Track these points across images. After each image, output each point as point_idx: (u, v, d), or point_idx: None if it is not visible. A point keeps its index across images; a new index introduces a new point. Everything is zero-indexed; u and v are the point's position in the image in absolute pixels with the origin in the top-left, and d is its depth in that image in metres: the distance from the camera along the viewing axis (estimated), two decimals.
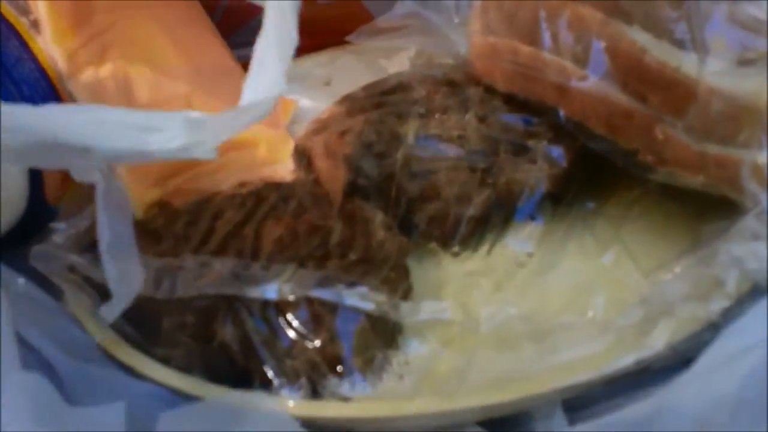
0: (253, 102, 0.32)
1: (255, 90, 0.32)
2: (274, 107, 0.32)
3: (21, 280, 0.36)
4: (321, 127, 0.42)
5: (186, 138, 0.28)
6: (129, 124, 0.28)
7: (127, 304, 0.31)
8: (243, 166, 0.44)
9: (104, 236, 0.30)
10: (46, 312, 0.36)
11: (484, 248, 0.37)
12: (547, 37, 0.38)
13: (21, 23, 0.39)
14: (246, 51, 0.53)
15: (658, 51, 0.35)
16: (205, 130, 0.29)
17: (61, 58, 0.40)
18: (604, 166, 0.38)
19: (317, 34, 0.54)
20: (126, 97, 0.41)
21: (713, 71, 0.34)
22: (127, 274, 0.30)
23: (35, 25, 0.40)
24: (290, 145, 0.45)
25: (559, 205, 0.38)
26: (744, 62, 0.35)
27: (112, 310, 0.31)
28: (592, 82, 0.37)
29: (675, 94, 0.35)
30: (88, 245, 0.37)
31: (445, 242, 0.37)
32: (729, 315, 0.31)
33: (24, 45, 0.38)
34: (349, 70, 0.51)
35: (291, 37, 0.33)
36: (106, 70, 0.41)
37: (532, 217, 0.38)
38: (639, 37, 0.36)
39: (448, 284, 0.36)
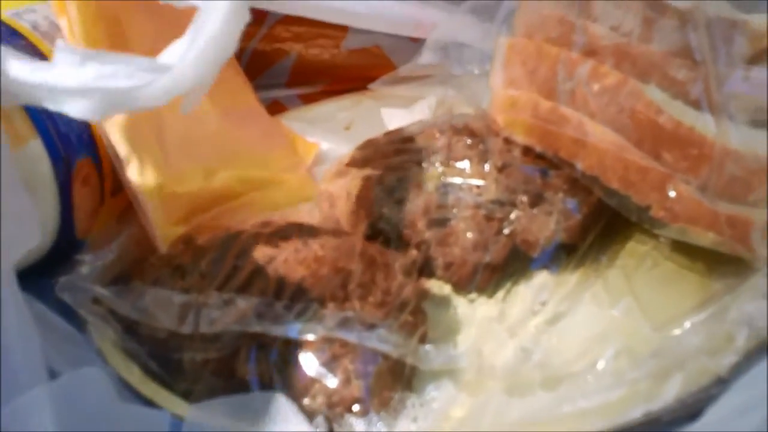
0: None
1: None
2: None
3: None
4: (344, 171, 0.43)
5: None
6: None
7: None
8: (265, 205, 0.45)
9: None
10: (69, 343, 0.37)
11: (500, 294, 0.38)
12: (566, 92, 0.39)
13: None
14: (270, 93, 0.55)
15: (673, 110, 0.37)
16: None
17: None
18: (618, 219, 0.39)
19: (340, 80, 0.56)
20: (158, 138, 0.42)
21: (727, 132, 0.35)
22: None
23: None
24: (312, 187, 0.46)
25: (573, 256, 0.39)
26: (758, 124, 0.36)
27: None
28: (608, 138, 0.38)
29: (689, 153, 0.36)
30: (114, 278, 0.38)
31: (462, 288, 0.38)
32: (736, 370, 0.31)
33: None
34: (370, 116, 0.52)
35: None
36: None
37: (547, 267, 0.39)
38: (655, 96, 0.37)
39: (463, 328, 0.37)
